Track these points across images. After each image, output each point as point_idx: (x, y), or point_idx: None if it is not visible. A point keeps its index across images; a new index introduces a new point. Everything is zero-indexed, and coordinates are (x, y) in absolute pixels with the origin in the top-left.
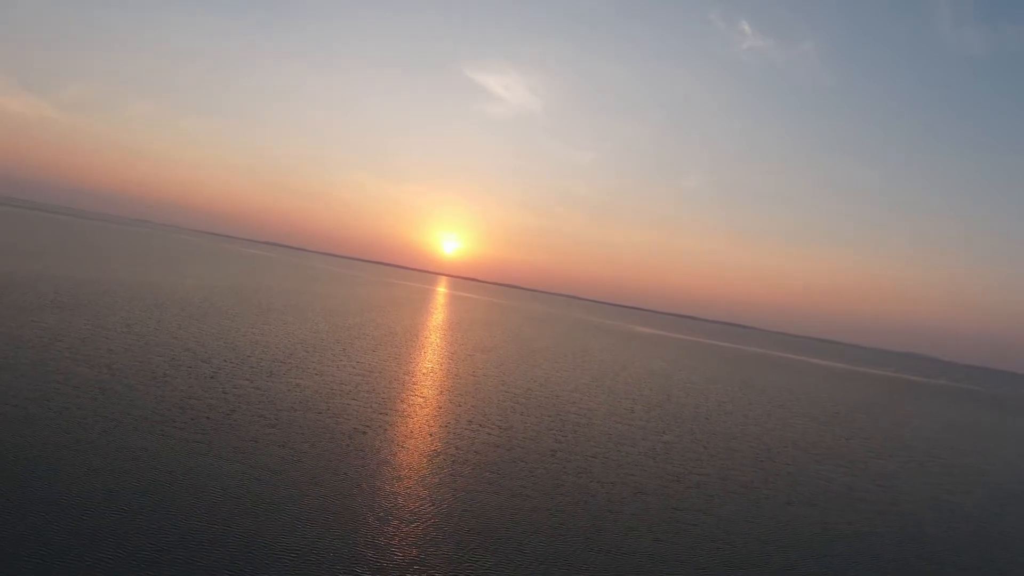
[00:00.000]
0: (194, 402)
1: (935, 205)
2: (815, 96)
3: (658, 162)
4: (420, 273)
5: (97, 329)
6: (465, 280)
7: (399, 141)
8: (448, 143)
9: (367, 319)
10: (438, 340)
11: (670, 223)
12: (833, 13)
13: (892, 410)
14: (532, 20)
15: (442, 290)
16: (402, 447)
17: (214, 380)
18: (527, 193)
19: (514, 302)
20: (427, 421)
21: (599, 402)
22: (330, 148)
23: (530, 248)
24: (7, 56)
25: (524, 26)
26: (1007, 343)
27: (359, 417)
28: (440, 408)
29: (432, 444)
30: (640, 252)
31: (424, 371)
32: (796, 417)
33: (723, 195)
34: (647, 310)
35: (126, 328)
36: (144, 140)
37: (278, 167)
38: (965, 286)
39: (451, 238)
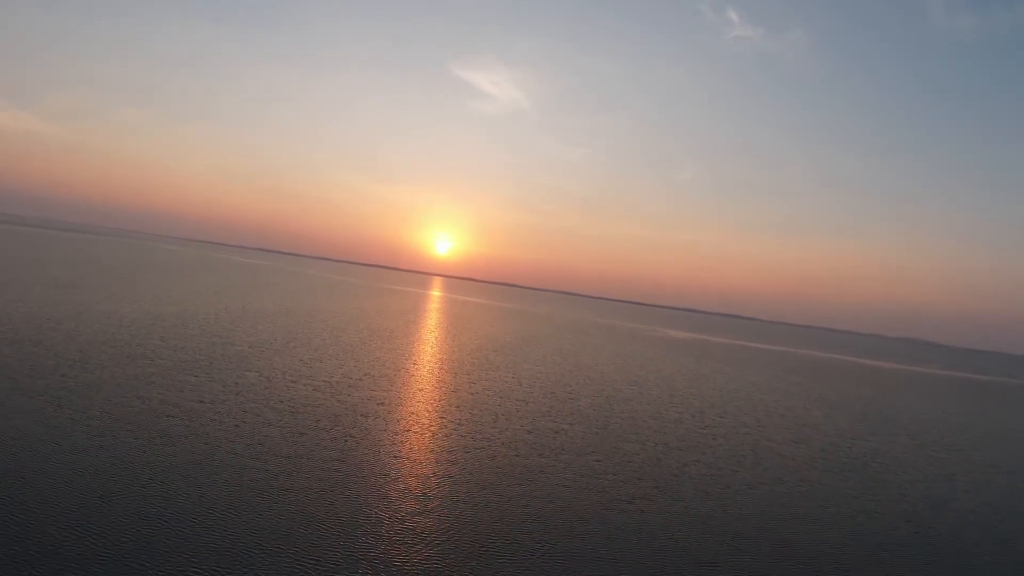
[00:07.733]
0: None
1: (927, 192)
2: (805, 85)
3: (650, 156)
4: (415, 275)
5: None
6: (461, 280)
7: (390, 142)
8: (439, 142)
9: (371, 361)
10: (488, 395)
11: (664, 216)
12: (822, 0)
13: None
14: (518, 16)
15: (444, 295)
16: None
17: None
18: (520, 191)
19: (521, 305)
20: None
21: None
22: (320, 151)
23: (524, 246)
24: None
25: (511, 22)
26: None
27: None
28: None
29: None
30: (635, 246)
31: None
32: None
33: (716, 187)
34: (646, 304)
35: None
36: (133, 148)
37: (268, 172)
38: (958, 272)
39: (445, 238)
